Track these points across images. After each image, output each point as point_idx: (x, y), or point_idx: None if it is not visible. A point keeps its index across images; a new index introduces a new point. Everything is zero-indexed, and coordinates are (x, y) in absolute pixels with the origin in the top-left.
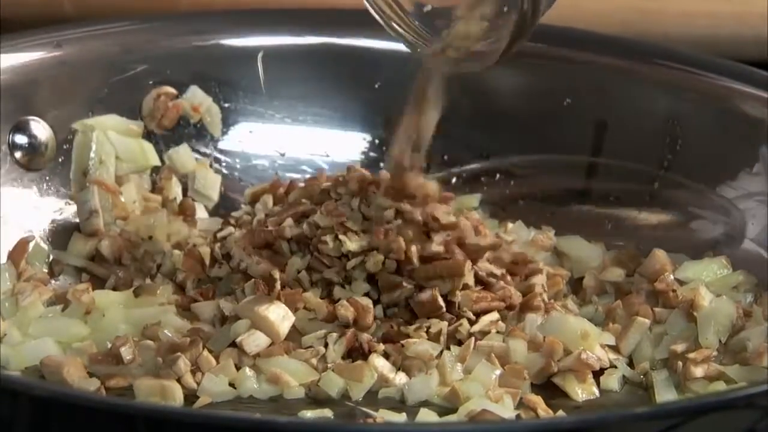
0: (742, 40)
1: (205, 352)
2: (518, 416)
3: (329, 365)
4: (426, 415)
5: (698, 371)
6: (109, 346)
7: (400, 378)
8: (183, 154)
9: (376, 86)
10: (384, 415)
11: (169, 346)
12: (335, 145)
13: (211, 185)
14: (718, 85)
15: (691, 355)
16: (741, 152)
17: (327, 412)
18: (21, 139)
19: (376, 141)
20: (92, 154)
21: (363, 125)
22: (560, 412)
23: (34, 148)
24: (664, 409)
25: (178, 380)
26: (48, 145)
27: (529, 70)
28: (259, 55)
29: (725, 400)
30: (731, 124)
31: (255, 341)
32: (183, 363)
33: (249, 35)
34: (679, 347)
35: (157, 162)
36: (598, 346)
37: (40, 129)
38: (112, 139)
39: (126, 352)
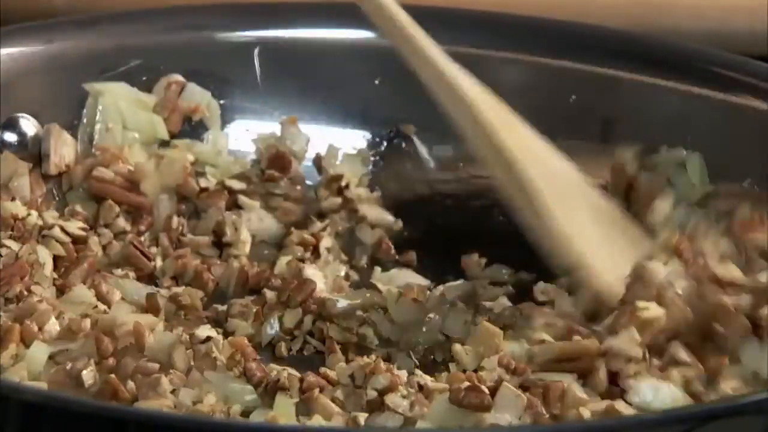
0: (755, 35)
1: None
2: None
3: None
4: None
5: None
6: (68, 367)
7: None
8: None
9: (376, 82)
10: None
11: (138, 368)
12: (334, 143)
13: None
14: (729, 81)
15: None
16: (751, 149)
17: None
18: (10, 136)
19: (376, 138)
20: (98, 118)
21: (363, 122)
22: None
23: (23, 146)
24: (674, 415)
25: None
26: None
27: (534, 66)
28: (256, 51)
29: (735, 406)
30: (742, 121)
31: None
32: (165, 382)
33: (245, 30)
34: None
35: (165, 136)
36: None
37: (30, 126)
38: (121, 107)
39: (87, 377)
